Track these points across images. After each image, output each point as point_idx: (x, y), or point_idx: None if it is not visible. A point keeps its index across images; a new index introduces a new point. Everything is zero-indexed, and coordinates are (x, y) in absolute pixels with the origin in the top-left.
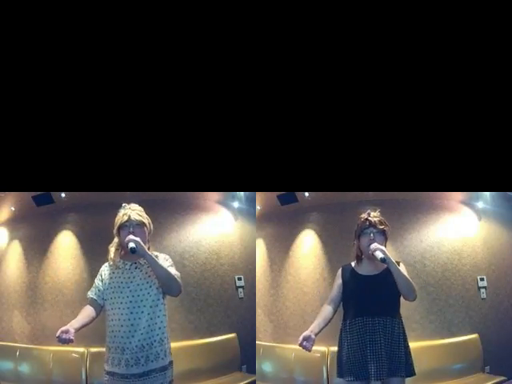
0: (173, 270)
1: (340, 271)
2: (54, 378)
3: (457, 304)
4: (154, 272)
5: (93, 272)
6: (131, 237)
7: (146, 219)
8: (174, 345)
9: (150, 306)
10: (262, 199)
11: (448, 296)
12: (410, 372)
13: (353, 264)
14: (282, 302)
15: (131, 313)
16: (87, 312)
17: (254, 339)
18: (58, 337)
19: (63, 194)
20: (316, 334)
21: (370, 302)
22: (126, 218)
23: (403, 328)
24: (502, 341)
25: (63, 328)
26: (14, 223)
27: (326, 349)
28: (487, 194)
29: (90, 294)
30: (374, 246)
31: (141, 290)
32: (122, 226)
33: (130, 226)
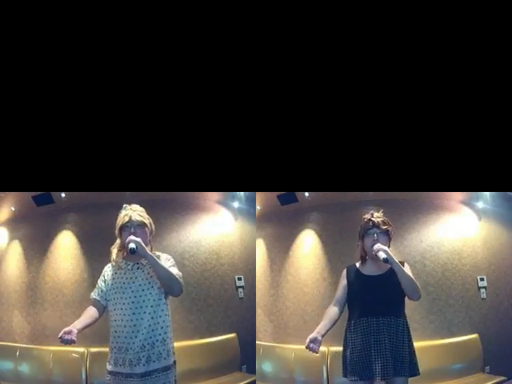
0: (174, 270)
1: (345, 272)
2: (54, 378)
3: (457, 304)
4: (155, 272)
5: (93, 272)
6: (131, 237)
7: (147, 220)
8: (174, 345)
9: (152, 306)
10: (261, 199)
11: (448, 296)
12: (415, 372)
13: (357, 264)
14: (282, 301)
15: (133, 313)
16: (90, 313)
17: (253, 339)
18: (61, 337)
19: (63, 194)
20: (322, 336)
21: (374, 302)
22: (127, 218)
23: (408, 328)
24: (501, 341)
25: (66, 329)
26: (13, 223)
27: (326, 349)
28: (487, 194)
29: (93, 294)
30: (377, 246)
31: (142, 290)
32: (123, 227)
33: (131, 226)
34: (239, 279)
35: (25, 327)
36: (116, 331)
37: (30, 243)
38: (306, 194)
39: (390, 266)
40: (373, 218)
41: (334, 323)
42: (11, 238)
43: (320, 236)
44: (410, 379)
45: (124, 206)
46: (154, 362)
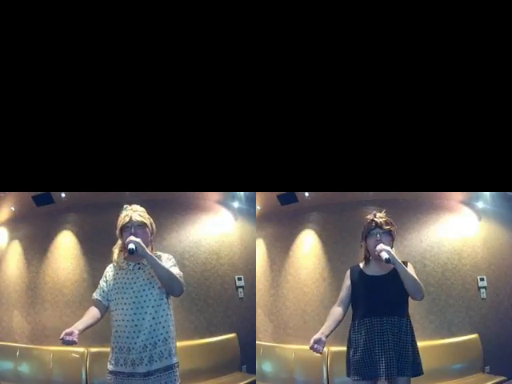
0: (175, 270)
1: (349, 272)
2: (54, 378)
3: (457, 304)
4: (155, 272)
5: (93, 272)
6: (131, 238)
7: (147, 220)
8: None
9: (153, 307)
10: (261, 199)
11: (448, 296)
12: (418, 371)
13: (361, 265)
14: (282, 301)
15: (134, 313)
16: (92, 313)
17: (253, 339)
18: (62, 338)
19: (63, 194)
20: (326, 337)
21: (377, 302)
22: (127, 219)
23: (411, 327)
24: (501, 341)
25: (67, 330)
26: (14, 223)
27: (326, 349)
28: (487, 194)
29: (95, 295)
30: (380, 247)
31: (143, 290)
32: (123, 228)
33: (132, 227)
34: (239, 279)
35: (25, 327)
36: (117, 331)
37: (30, 243)
38: (306, 194)
39: (393, 266)
40: (375, 219)
41: (338, 323)
42: (11, 238)
43: (320, 236)
44: (412, 379)
45: (125, 206)
46: (156, 361)
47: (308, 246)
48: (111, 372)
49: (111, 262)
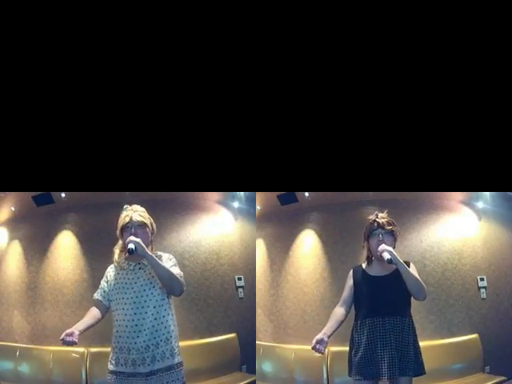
0: (176, 270)
1: (351, 272)
2: (54, 378)
3: (457, 304)
4: (155, 272)
5: (93, 272)
6: (131, 238)
7: (147, 220)
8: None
9: (154, 307)
10: (262, 199)
11: (448, 296)
12: (420, 371)
13: (364, 265)
14: (282, 301)
15: (135, 313)
16: (92, 313)
17: (253, 339)
18: (62, 339)
19: (63, 194)
20: (329, 337)
21: (379, 302)
22: (127, 219)
23: (413, 327)
24: (501, 341)
25: (68, 331)
26: (14, 223)
27: (326, 349)
28: (487, 194)
29: (96, 295)
30: (382, 247)
31: (144, 290)
32: (124, 228)
33: (132, 227)
34: (239, 279)
35: (25, 327)
36: (118, 331)
37: (30, 243)
38: (306, 194)
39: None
40: (378, 219)
41: (341, 324)
42: (11, 238)
43: (320, 236)
44: (413, 379)
45: (125, 206)
46: (158, 361)
47: (308, 246)
48: (112, 372)
49: (111, 262)
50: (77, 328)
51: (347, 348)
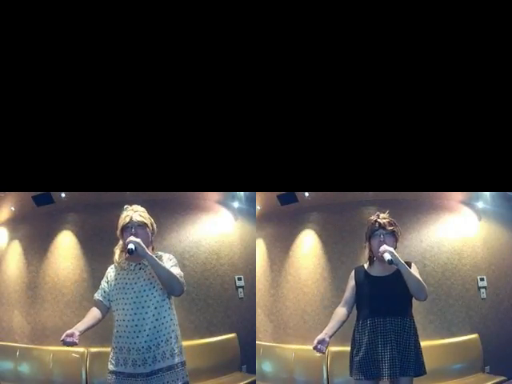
0: (176, 270)
1: (353, 273)
2: (54, 378)
3: (457, 304)
4: (155, 272)
5: (93, 272)
6: (131, 238)
7: (148, 220)
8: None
9: (155, 307)
10: (262, 199)
11: (448, 296)
12: (421, 371)
13: (365, 265)
14: (282, 302)
15: (135, 314)
16: (93, 314)
17: (253, 339)
18: (63, 340)
19: (63, 194)
20: (330, 337)
21: (381, 302)
22: (128, 219)
23: (415, 328)
24: (501, 341)
25: (68, 331)
26: (14, 223)
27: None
28: (487, 194)
29: (96, 295)
30: (383, 248)
31: (144, 290)
32: (124, 228)
33: (132, 227)
34: (239, 279)
35: (25, 327)
36: (118, 331)
37: (29, 243)
38: (306, 194)
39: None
40: (379, 220)
41: (342, 324)
42: (11, 238)
43: (320, 236)
44: (414, 378)
45: (125, 206)
46: (159, 361)
47: (308, 246)
48: (112, 372)
49: (111, 262)
50: (77, 329)
51: (347, 348)
